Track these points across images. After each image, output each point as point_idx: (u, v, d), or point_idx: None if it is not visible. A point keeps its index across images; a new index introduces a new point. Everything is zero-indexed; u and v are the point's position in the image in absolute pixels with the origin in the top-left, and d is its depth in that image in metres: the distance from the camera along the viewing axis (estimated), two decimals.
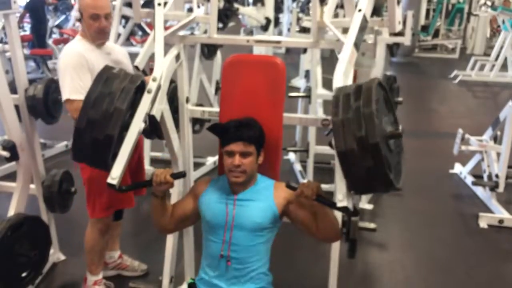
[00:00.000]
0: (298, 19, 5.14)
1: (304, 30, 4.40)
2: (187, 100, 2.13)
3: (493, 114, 3.97)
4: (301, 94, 4.06)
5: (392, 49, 4.46)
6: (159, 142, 3.98)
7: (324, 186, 1.63)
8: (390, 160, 1.54)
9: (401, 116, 1.77)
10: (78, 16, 2.27)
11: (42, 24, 7.86)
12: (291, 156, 4.49)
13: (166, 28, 1.97)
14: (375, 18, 2.23)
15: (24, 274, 2.36)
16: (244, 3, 8.01)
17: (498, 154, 3.65)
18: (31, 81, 2.60)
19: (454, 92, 7.95)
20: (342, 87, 1.62)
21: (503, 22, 8.27)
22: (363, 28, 1.92)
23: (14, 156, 2.44)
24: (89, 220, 2.41)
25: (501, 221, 3.41)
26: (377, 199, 3.74)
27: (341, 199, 1.56)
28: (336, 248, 1.96)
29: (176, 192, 2.10)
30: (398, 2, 2.13)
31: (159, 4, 1.98)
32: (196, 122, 3.84)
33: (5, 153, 2.41)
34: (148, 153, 4.16)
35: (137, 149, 2.41)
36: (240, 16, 7.51)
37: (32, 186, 2.63)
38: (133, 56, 2.59)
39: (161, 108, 1.81)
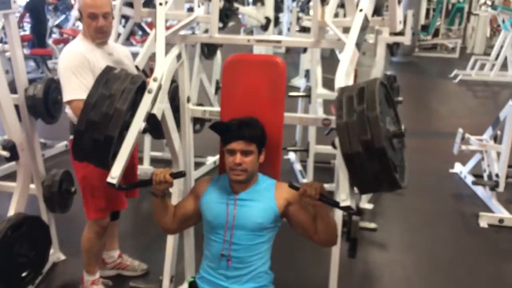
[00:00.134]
0: (298, 18, 5.12)
1: (304, 30, 4.40)
2: (188, 100, 2.13)
3: (493, 114, 3.97)
4: (301, 93, 4.07)
5: (392, 48, 4.45)
6: (159, 141, 4.00)
7: (325, 186, 1.63)
8: (394, 159, 1.54)
9: (401, 116, 1.77)
10: (78, 15, 2.27)
11: (42, 24, 7.84)
12: (291, 155, 4.48)
13: (166, 28, 1.97)
14: (376, 18, 2.22)
15: (24, 274, 2.36)
16: (244, 3, 7.99)
17: (498, 154, 3.65)
18: (31, 81, 2.60)
19: (454, 92, 7.95)
20: (345, 88, 1.61)
21: (503, 21, 8.26)
22: (364, 27, 1.92)
23: (14, 156, 2.44)
24: (87, 222, 2.42)
25: (501, 220, 3.41)
26: (377, 198, 3.73)
27: (344, 198, 1.55)
28: (336, 247, 1.96)
29: (176, 192, 2.10)
30: (399, 2, 2.13)
31: (160, 4, 1.97)
32: (197, 121, 3.84)
33: (5, 153, 2.41)
34: (148, 153, 4.16)
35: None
36: (240, 16, 7.50)
37: (32, 186, 2.63)
38: (133, 56, 2.59)
39: (162, 107, 1.81)
